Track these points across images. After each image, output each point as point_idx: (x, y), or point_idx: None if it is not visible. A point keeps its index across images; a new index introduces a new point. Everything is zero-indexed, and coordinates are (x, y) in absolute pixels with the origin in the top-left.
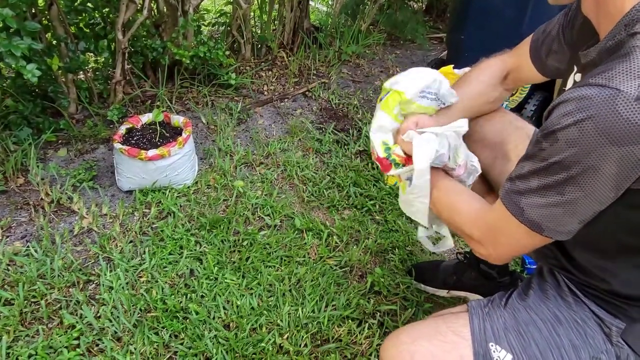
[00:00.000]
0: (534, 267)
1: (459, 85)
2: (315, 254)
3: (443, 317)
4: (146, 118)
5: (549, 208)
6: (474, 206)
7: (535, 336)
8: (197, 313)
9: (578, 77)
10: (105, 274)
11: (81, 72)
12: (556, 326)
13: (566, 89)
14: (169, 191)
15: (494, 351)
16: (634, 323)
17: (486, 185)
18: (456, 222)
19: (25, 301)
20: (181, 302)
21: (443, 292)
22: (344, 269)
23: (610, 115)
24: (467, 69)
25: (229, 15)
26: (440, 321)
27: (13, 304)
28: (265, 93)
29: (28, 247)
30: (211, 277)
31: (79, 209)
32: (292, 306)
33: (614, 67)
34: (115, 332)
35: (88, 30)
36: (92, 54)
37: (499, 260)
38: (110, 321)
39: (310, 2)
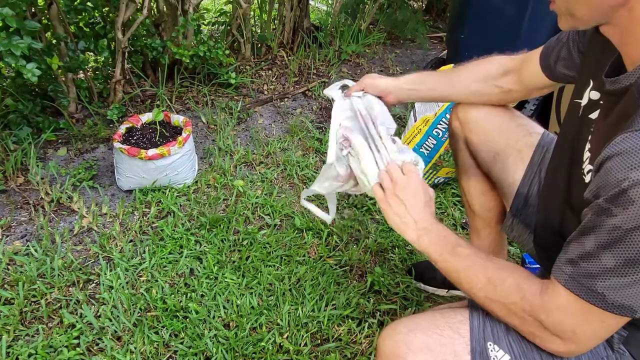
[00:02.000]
0: (535, 266)
1: (454, 72)
2: (315, 253)
3: (442, 312)
4: (146, 117)
5: (636, 286)
6: (536, 285)
7: None
8: (197, 312)
9: (595, 94)
10: (105, 274)
11: (81, 72)
12: None
13: (582, 103)
14: (169, 190)
15: (491, 350)
16: (639, 332)
17: (488, 184)
18: (519, 304)
19: (25, 300)
20: (181, 301)
21: (443, 292)
22: (343, 269)
23: None
24: None
25: (228, 14)
26: (438, 315)
27: (13, 304)
28: (265, 92)
29: (28, 246)
30: (211, 277)
31: (78, 208)
32: (292, 305)
33: None
34: (115, 332)
35: (88, 30)
36: (91, 53)
37: (582, 352)
38: (110, 320)
39: (310, 2)
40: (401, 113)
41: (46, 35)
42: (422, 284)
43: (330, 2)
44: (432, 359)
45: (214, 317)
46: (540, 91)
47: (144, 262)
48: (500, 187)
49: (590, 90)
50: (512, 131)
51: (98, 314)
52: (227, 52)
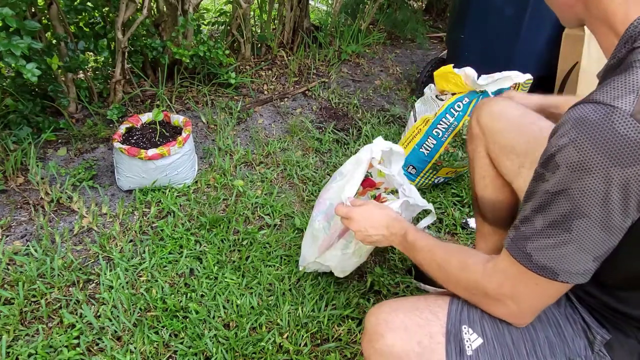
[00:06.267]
0: None
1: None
2: None
3: (426, 296)
4: (146, 117)
5: (557, 248)
6: (481, 258)
7: (511, 327)
8: (197, 312)
9: None
10: (105, 273)
11: (81, 72)
12: (534, 321)
13: None
14: (169, 190)
15: (465, 332)
16: (626, 338)
17: (505, 193)
18: (464, 279)
19: (25, 300)
20: (181, 301)
21: (442, 291)
22: None
23: (607, 133)
24: (467, 69)
25: (228, 14)
26: (422, 299)
27: (13, 303)
28: (265, 92)
29: (28, 246)
30: (211, 277)
31: (78, 208)
32: (291, 305)
33: (611, 82)
34: (115, 332)
35: (88, 30)
36: (91, 53)
37: (524, 318)
38: (110, 320)
39: (310, 2)
40: (401, 113)
41: (46, 35)
42: (422, 283)
43: (330, 2)
44: (407, 338)
45: (214, 317)
46: None
47: (144, 262)
48: (521, 198)
49: None
50: (540, 144)
51: (98, 314)
52: (227, 52)
